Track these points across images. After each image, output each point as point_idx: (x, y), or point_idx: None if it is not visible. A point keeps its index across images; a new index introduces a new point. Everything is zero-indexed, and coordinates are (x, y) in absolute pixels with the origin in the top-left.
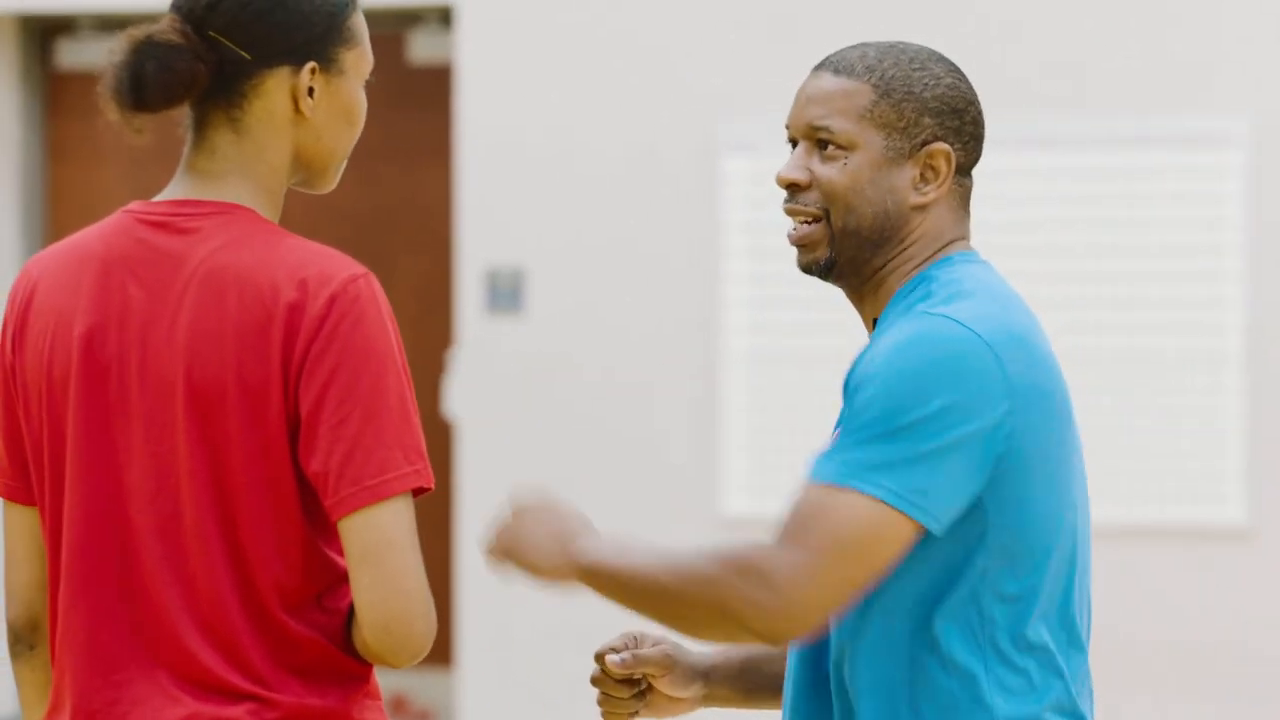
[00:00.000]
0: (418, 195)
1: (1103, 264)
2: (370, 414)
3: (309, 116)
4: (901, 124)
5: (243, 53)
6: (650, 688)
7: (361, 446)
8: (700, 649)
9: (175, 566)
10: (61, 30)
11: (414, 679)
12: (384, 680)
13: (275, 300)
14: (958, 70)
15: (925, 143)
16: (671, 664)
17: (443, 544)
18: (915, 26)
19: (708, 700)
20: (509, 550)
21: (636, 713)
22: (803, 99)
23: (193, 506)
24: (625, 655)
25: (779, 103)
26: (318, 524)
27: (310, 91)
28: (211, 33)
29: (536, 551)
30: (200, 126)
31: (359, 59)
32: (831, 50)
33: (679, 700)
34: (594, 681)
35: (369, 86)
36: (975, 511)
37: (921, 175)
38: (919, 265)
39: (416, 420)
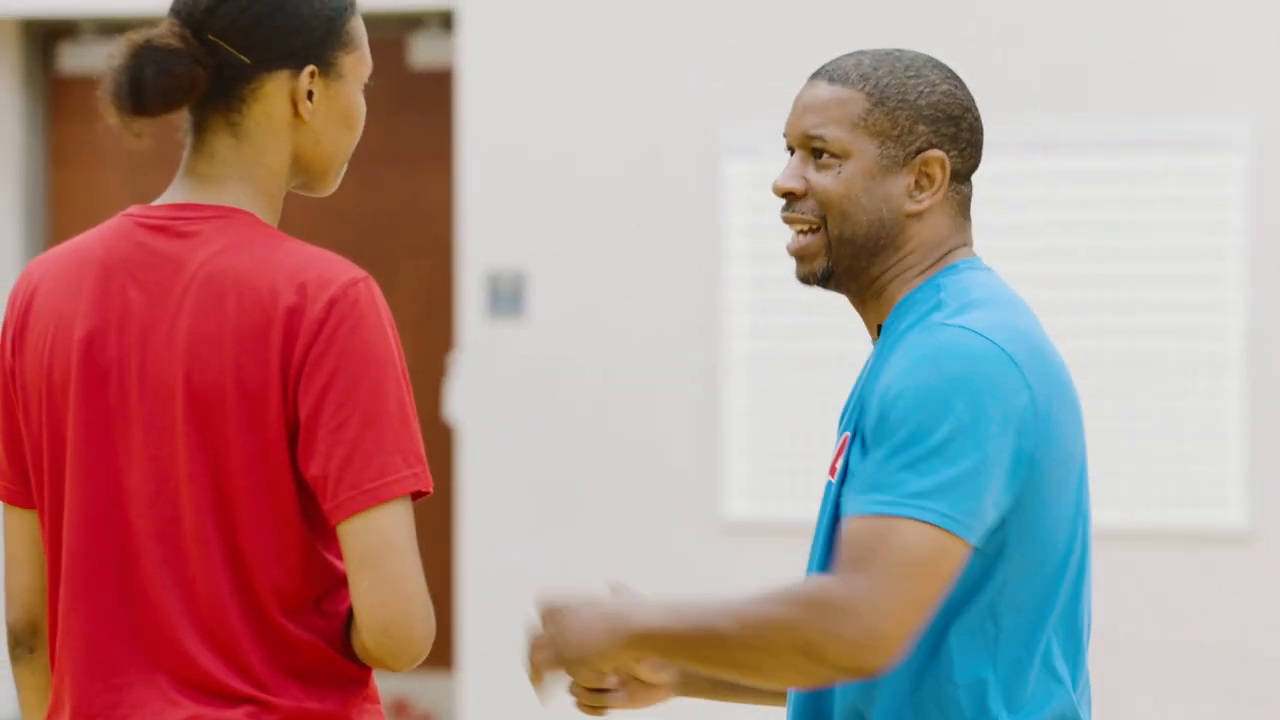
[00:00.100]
0: (419, 199)
1: (1104, 268)
2: (369, 418)
3: (308, 120)
4: (895, 132)
5: (242, 57)
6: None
7: (360, 450)
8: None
9: (175, 570)
10: (63, 34)
11: (415, 682)
12: (385, 684)
13: (274, 304)
14: (955, 77)
15: (919, 150)
16: None
17: (444, 548)
18: (916, 31)
19: (683, 688)
20: (558, 654)
21: (605, 706)
22: (799, 107)
23: (192, 510)
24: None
25: (780, 107)
26: (317, 528)
27: (309, 95)
28: (210, 37)
29: (586, 642)
30: (199, 130)
31: (358, 63)
32: (833, 54)
33: (655, 688)
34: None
35: (370, 90)
36: (999, 523)
37: (916, 183)
38: (922, 273)
39: (415, 424)
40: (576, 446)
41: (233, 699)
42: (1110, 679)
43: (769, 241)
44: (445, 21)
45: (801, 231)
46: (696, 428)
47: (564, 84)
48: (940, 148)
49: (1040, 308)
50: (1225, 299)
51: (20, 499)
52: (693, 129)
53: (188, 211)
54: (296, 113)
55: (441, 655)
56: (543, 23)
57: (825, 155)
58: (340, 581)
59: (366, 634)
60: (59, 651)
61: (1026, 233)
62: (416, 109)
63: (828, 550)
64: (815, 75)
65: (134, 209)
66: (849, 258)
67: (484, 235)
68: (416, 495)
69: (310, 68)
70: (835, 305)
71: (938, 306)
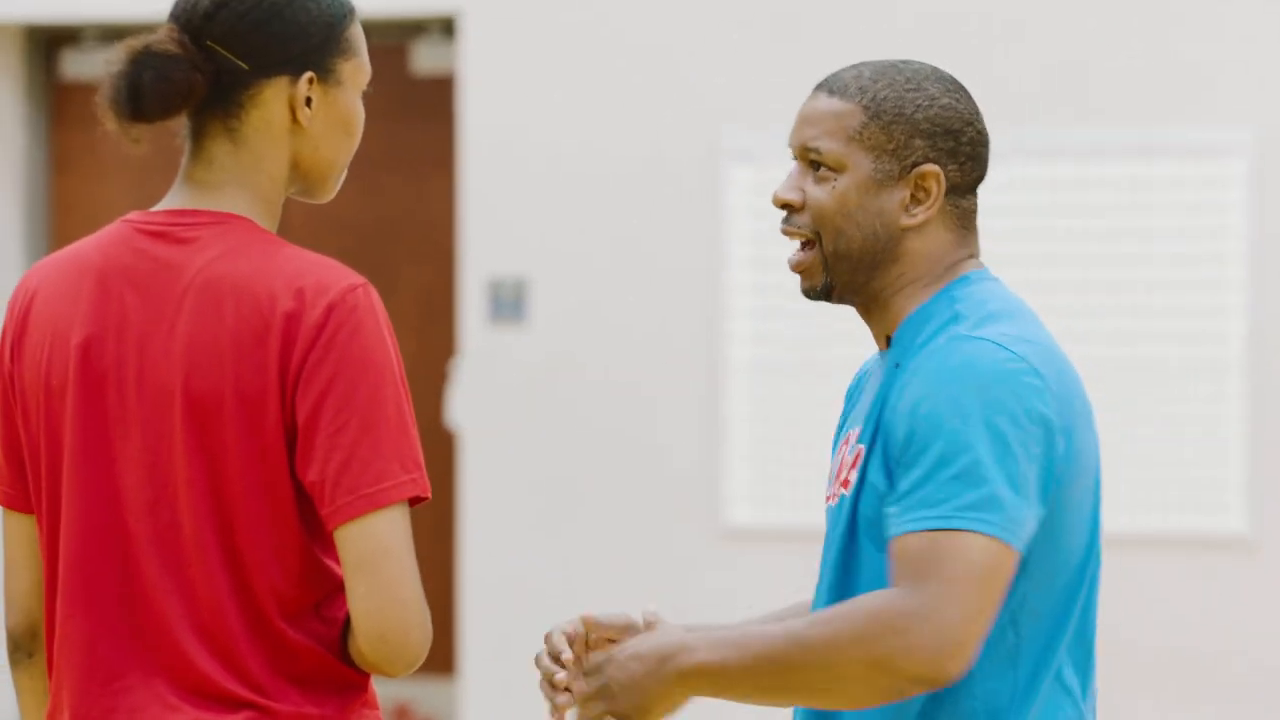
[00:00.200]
0: (421, 205)
1: (1105, 273)
2: (367, 423)
3: (306, 127)
4: (891, 146)
5: (240, 63)
6: None
7: (358, 455)
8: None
9: (173, 575)
10: (66, 41)
11: (416, 688)
12: (387, 689)
13: (272, 310)
14: (957, 89)
15: (915, 164)
16: (634, 630)
17: (445, 554)
18: (918, 39)
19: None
20: (610, 706)
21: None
22: (799, 119)
23: (191, 515)
24: (576, 624)
25: (783, 112)
26: (315, 533)
27: (308, 102)
28: (209, 43)
29: (637, 689)
30: (198, 136)
31: (357, 70)
32: (836, 61)
33: None
34: (536, 661)
35: (372, 96)
36: None
37: (912, 197)
38: (928, 285)
39: (414, 430)
40: (578, 453)
41: (232, 703)
42: (1111, 684)
43: (771, 248)
44: (447, 28)
45: (799, 246)
46: (698, 434)
47: (566, 90)
48: (937, 162)
49: (1041, 313)
50: (1226, 304)
51: (19, 504)
52: (694, 136)
53: (186, 217)
54: (295, 119)
55: (443, 660)
56: (544, 29)
57: (822, 168)
58: (339, 587)
59: (363, 639)
60: (58, 656)
61: (1028, 239)
62: (418, 115)
63: (841, 563)
64: (818, 87)
65: (132, 215)
66: (847, 272)
67: (485, 241)
68: (414, 501)
69: (309, 74)
70: (838, 312)
71: (956, 319)
